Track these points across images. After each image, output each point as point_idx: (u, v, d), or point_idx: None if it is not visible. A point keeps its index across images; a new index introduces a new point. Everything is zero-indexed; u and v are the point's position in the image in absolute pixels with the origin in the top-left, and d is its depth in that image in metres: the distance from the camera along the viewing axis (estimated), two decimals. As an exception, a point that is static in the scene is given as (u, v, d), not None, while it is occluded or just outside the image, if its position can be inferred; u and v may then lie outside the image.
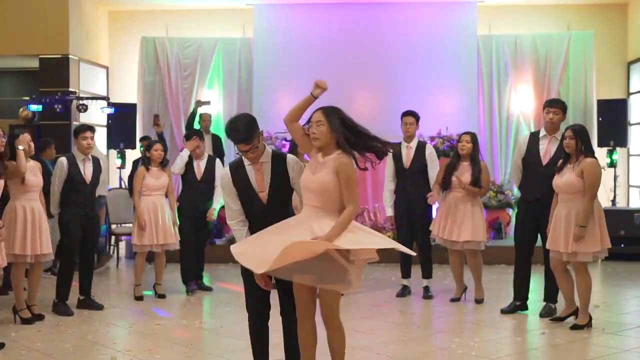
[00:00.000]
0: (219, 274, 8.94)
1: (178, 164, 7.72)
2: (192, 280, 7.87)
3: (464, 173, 6.99)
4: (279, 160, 4.26)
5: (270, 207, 4.24)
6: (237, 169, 4.27)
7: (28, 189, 6.29)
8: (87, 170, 6.84)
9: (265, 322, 4.41)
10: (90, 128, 6.94)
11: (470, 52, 11.14)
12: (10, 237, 6.16)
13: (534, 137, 6.62)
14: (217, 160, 8.00)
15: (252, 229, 4.25)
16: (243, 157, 4.26)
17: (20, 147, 6.14)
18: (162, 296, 7.51)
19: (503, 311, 6.70)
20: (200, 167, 7.77)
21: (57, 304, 6.79)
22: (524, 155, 6.62)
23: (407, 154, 7.43)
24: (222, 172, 4.41)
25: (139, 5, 11.85)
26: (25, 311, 6.38)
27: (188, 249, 7.82)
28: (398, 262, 7.97)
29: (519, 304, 6.70)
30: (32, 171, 6.37)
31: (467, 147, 7.03)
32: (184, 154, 7.73)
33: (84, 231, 6.83)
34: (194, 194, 7.73)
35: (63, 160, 6.79)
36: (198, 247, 7.94)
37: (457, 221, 6.97)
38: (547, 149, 6.49)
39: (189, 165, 7.77)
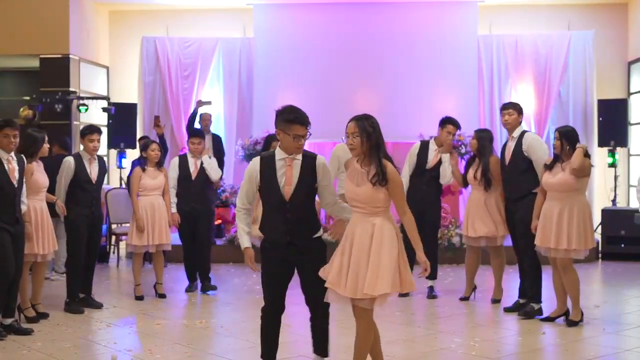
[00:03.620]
0: (219, 273, 8.94)
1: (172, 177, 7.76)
2: (194, 280, 7.90)
3: (476, 169, 7.17)
4: (309, 160, 4.48)
5: (291, 204, 4.42)
6: (268, 162, 4.46)
7: (39, 189, 6.39)
8: (93, 170, 6.93)
9: (279, 317, 4.60)
10: (98, 130, 7.01)
11: (471, 52, 11.13)
12: None
13: (506, 142, 6.94)
14: (213, 158, 8.08)
15: (271, 221, 4.47)
16: (276, 151, 4.46)
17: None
18: (162, 296, 7.51)
19: (506, 309, 6.72)
20: (196, 166, 7.78)
21: (68, 303, 6.84)
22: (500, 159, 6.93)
23: (435, 156, 7.50)
24: (252, 160, 4.57)
25: (139, 5, 11.85)
26: (29, 310, 6.40)
27: (186, 248, 7.87)
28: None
29: (524, 302, 6.72)
30: (42, 171, 6.48)
31: (472, 144, 7.29)
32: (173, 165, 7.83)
33: (89, 230, 6.91)
34: (188, 193, 7.72)
35: (70, 159, 6.89)
36: (202, 248, 7.89)
37: (477, 217, 7.07)
38: (507, 150, 6.75)
39: (185, 164, 7.78)
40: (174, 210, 7.63)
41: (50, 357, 5.33)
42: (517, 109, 6.80)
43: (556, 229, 6.00)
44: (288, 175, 4.42)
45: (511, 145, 6.70)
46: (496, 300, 7.12)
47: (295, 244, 4.44)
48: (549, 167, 6.18)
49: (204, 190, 7.85)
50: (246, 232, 4.54)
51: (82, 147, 7.02)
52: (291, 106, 4.48)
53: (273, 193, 4.44)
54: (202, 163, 7.80)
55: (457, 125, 7.51)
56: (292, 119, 4.39)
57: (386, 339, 5.80)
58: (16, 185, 5.91)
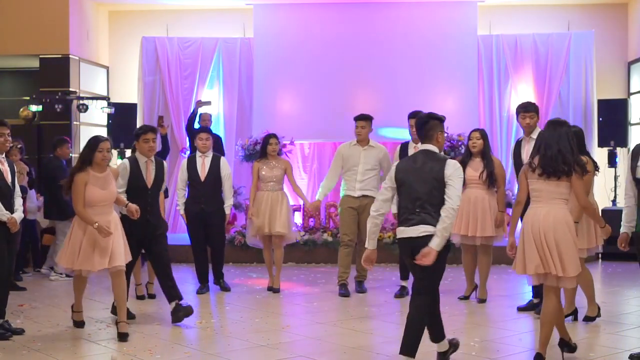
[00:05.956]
0: (219, 274, 8.93)
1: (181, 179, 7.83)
2: (206, 281, 7.91)
3: (478, 169, 7.07)
4: None
5: None
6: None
7: (93, 203, 5.75)
8: (149, 175, 6.42)
9: None
10: (152, 129, 6.49)
11: (471, 52, 11.13)
12: (71, 251, 5.80)
13: (519, 142, 6.95)
14: (222, 159, 7.94)
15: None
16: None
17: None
18: (152, 296, 7.54)
19: (519, 309, 6.75)
20: (205, 166, 7.73)
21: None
22: (515, 160, 6.90)
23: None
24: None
25: (139, 5, 11.84)
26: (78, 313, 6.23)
27: (198, 249, 7.89)
28: (398, 262, 7.97)
29: (537, 301, 6.72)
30: (102, 184, 5.84)
31: (478, 144, 7.12)
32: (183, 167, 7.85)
33: (143, 238, 6.37)
34: (198, 194, 7.73)
35: (126, 162, 6.48)
36: (215, 248, 7.94)
37: (478, 217, 7.03)
38: (526, 151, 6.69)
39: (193, 165, 7.77)
40: (181, 212, 7.75)
41: (50, 357, 5.33)
42: (537, 111, 6.87)
43: None
44: None
45: (529, 147, 6.59)
46: (482, 300, 7.15)
47: None
48: None
49: (215, 191, 7.77)
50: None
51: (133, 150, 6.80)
52: None
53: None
54: (211, 163, 7.77)
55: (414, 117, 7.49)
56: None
57: (385, 339, 5.82)
58: (11, 187, 5.89)
